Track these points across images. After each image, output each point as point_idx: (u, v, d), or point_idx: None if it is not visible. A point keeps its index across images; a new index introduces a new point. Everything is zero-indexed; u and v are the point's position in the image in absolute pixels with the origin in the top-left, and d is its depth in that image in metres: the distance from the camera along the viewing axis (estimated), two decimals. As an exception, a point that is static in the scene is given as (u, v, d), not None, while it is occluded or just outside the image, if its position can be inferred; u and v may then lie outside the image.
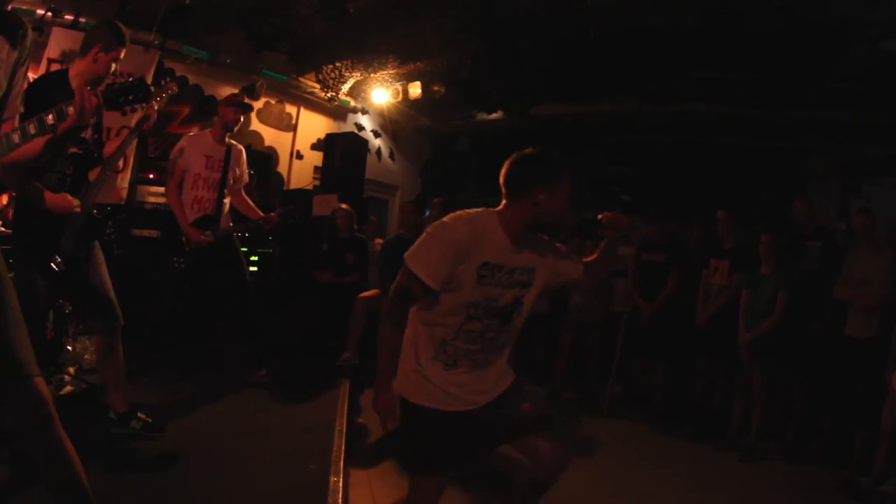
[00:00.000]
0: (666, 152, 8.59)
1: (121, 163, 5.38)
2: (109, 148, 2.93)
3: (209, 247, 3.95)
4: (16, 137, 1.77)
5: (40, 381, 1.72)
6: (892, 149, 6.90)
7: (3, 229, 3.48)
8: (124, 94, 2.09)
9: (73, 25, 5.04)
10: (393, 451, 3.59)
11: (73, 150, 2.63)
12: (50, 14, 5.01)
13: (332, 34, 6.31)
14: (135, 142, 3.63)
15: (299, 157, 7.80)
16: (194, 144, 4.01)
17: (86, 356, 3.86)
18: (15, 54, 1.78)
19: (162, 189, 4.87)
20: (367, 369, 5.28)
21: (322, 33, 6.30)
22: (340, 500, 2.67)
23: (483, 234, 1.93)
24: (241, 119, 4.16)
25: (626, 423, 4.98)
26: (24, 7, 4.78)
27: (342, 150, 7.22)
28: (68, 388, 3.48)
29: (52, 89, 2.43)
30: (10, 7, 1.81)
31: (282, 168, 7.64)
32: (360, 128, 8.58)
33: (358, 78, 7.61)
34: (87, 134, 2.71)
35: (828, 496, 3.76)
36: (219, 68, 6.55)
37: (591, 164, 8.80)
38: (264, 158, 7.13)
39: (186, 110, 6.37)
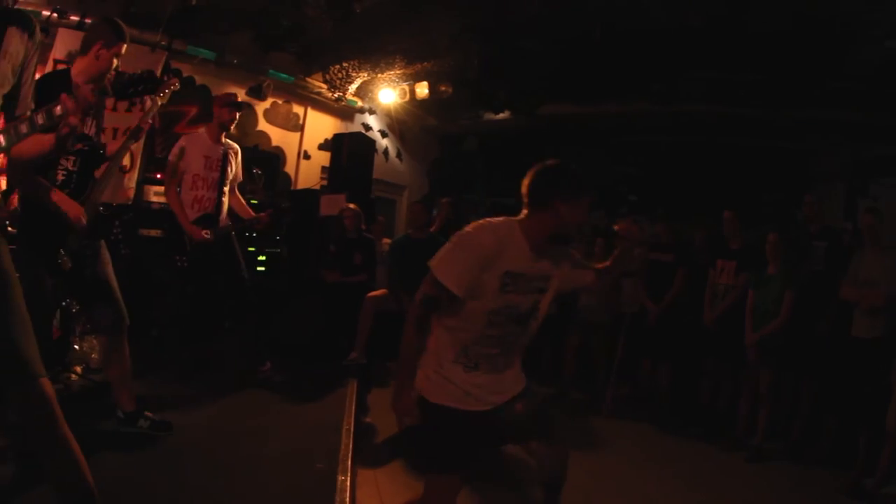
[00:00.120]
0: (673, 153, 8.56)
1: (128, 163, 5.43)
2: (114, 146, 2.93)
3: (210, 245, 3.96)
4: (23, 128, 1.74)
5: (45, 381, 1.72)
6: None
7: (10, 229, 3.49)
8: (133, 85, 2.11)
9: (79, 26, 5.04)
10: (401, 450, 3.62)
11: (79, 146, 2.62)
12: (56, 15, 5.04)
13: (339, 35, 6.33)
14: (141, 141, 3.63)
15: (307, 157, 7.84)
16: (193, 145, 4.03)
17: (93, 355, 3.86)
18: (31, 44, 1.78)
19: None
20: (375, 369, 5.31)
21: (329, 34, 6.32)
22: (348, 499, 2.67)
23: (507, 243, 1.97)
24: (237, 117, 4.18)
25: (631, 422, 4.98)
26: (29, 8, 4.79)
27: (349, 150, 7.21)
28: (75, 387, 3.50)
29: (54, 88, 2.43)
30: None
31: (289, 168, 7.68)
32: (368, 128, 8.61)
33: (365, 78, 7.62)
34: (92, 130, 2.72)
35: (833, 497, 3.73)
36: (226, 69, 6.58)
37: (597, 164, 8.77)
38: (272, 158, 7.16)
39: (194, 111, 6.39)
